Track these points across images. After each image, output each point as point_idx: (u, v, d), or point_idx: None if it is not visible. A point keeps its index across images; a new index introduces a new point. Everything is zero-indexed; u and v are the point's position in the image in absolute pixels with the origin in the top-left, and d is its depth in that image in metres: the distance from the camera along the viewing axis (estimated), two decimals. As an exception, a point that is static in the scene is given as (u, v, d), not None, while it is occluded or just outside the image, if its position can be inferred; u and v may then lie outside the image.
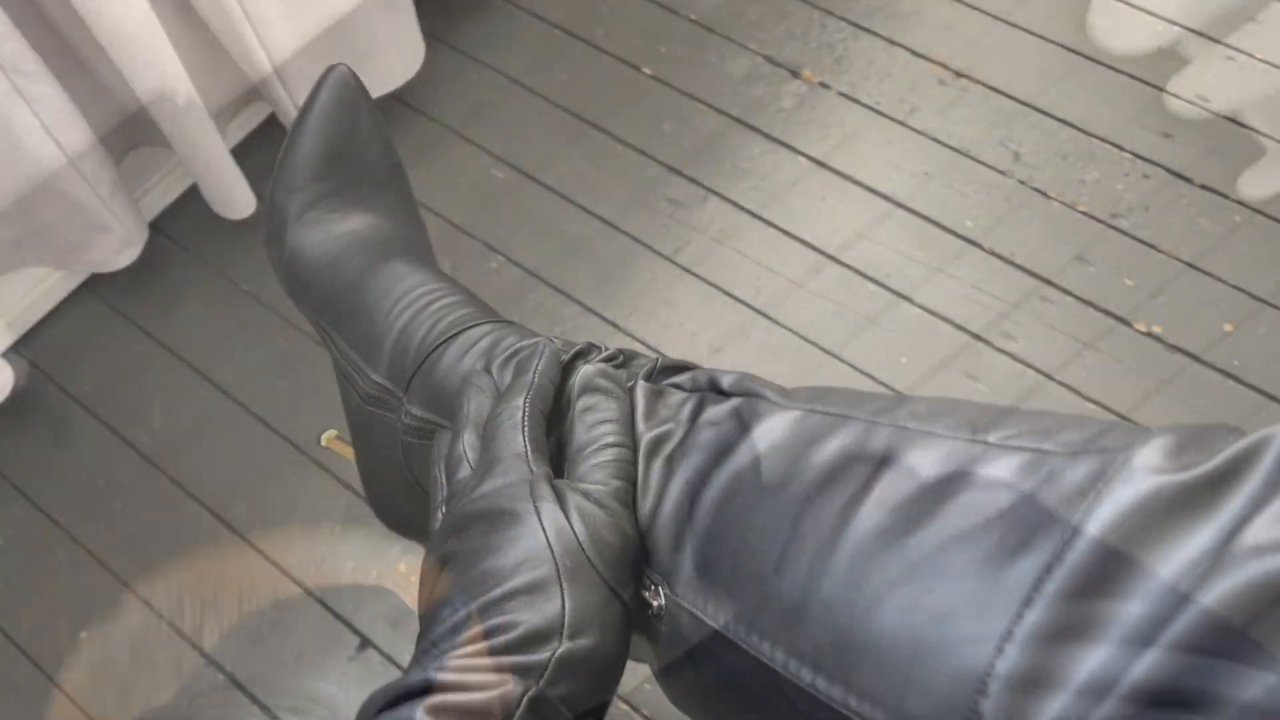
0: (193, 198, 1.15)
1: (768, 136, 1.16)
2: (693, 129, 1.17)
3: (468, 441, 0.42)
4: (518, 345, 0.46)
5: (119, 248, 1.05)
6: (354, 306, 0.52)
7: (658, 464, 0.38)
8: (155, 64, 0.91)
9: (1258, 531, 0.23)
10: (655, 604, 0.37)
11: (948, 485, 0.29)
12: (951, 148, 1.13)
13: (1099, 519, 0.25)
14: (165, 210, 1.17)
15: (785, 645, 0.31)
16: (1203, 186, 1.08)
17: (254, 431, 1.04)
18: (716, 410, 0.38)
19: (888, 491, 0.30)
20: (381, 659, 0.92)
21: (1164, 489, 0.25)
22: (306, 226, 0.55)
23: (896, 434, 0.32)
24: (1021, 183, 1.10)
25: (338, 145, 0.55)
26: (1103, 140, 1.12)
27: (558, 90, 1.22)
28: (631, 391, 0.42)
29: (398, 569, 0.96)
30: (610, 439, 0.39)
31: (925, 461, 0.30)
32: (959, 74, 1.18)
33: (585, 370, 0.42)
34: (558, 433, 0.42)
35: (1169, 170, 1.09)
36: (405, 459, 0.50)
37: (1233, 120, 1.11)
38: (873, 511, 0.30)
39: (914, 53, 1.20)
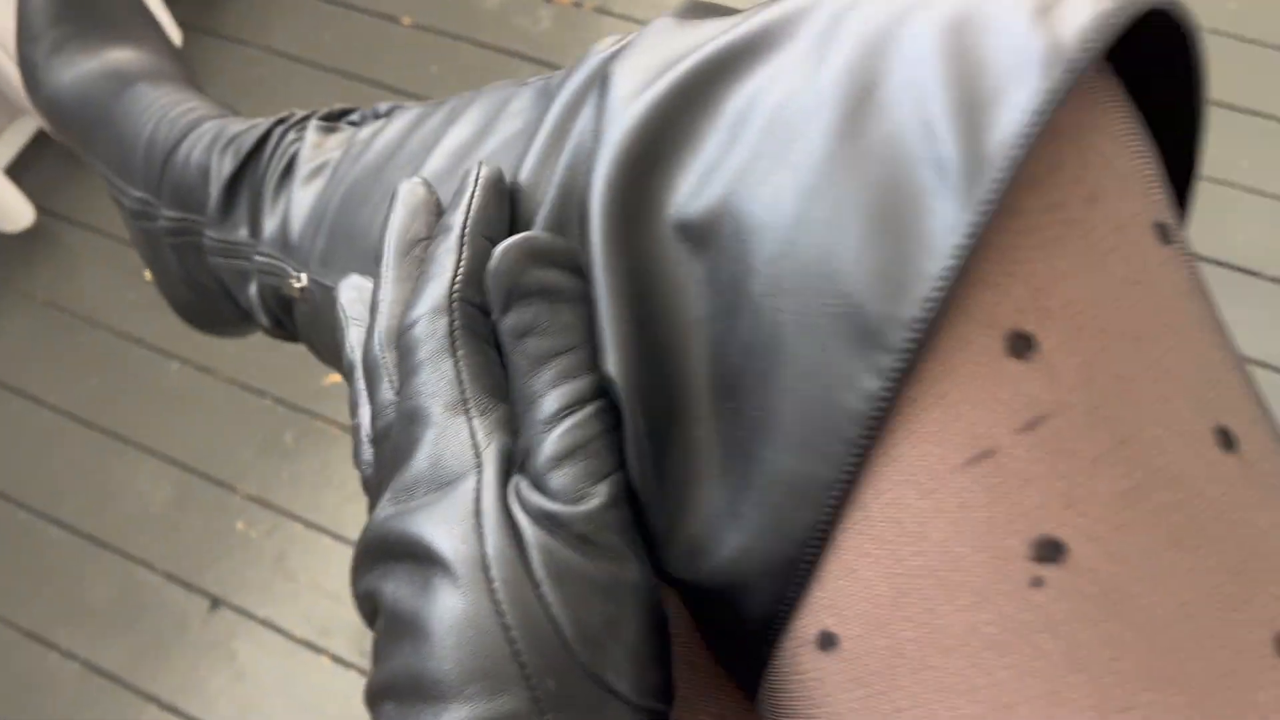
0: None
1: (531, 59, 1.20)
2: (459, 67, 1.21)
3: (357, 340, 0.30)
4: (237, 130, 0.50)
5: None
6: (108, 132, 0.56)
7: (313, 184, 0.42)
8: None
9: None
10: (299, 286, 0.40)
11: (490, 124, 0.33)
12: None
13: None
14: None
15: None
16: None
17: (70, 432, 1.04)
18: (371, 126, 0.42)
19: (447, 144, 0.34)
20: (235, 613, 0.94)
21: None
22: (56, 69, 0.59)
23: (463, 103, 0.36)
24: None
25: None
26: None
27: (324, 55, 1.24)
28: (304, 131, 0.46)
29: (236, 527, 0.98)
30: (571, 393, 0.25)
31: (476, 114, 0.34)
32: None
33: (509, 251, 0.25)
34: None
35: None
36: (179, 260, 0.54)
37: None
38: (436, 160, 0.34)
39: (656, -42, 1.25)
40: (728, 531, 0.24)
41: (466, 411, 0.25)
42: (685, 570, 0.25)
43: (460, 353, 0.25)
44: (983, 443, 0.21)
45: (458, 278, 0.26)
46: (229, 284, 0.50)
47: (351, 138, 0.43)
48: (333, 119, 0.47)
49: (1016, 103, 0.21)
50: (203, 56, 1.24)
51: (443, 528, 0.23)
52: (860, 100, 0.23)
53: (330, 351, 0.41)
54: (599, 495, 0.24)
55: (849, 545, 0.23)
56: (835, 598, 0.23)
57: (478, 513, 0.23)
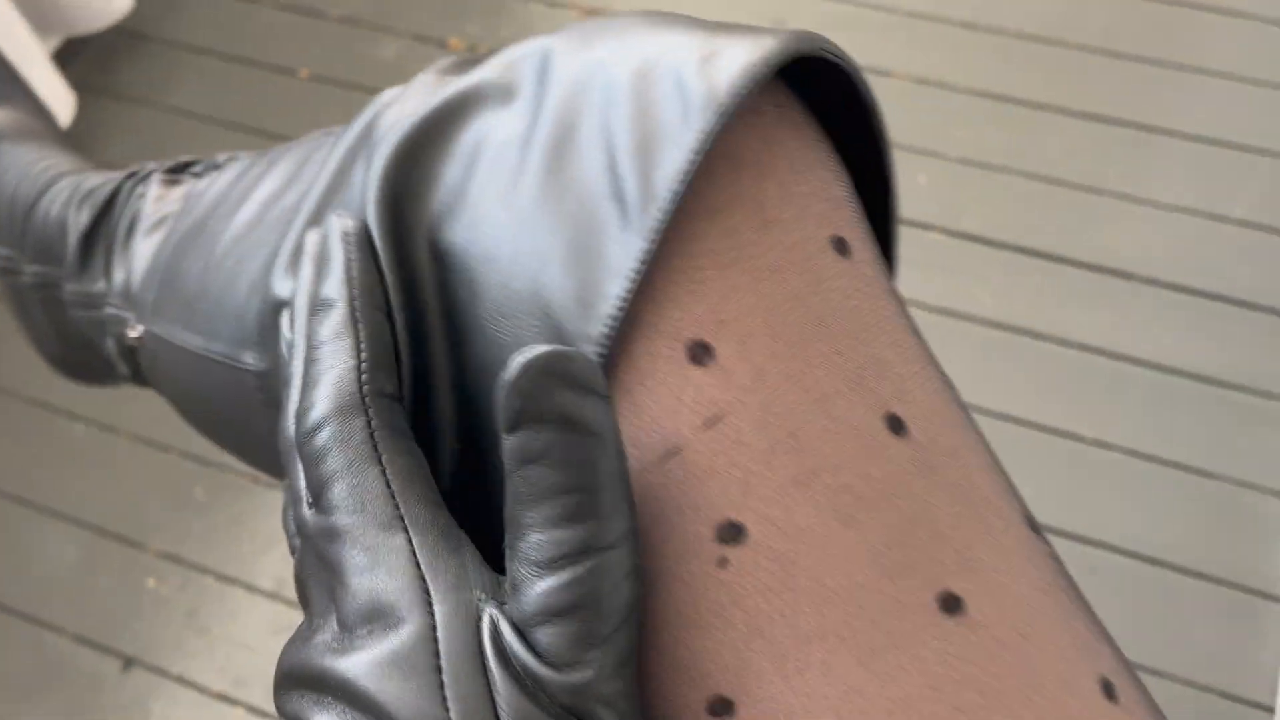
0: None
1: (428, 105, 1.23)
2: (358, 115, 1.23)
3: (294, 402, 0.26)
4: (93, 184, 0.51)
5: None
6: None
7: (153, 236, 0.44)
8: None
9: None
10: (133, 335, 0.42)
11: (297, 173, 0.35)
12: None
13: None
14: None
15: (197, 331, 0.36)
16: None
17: (-21, 500, 1.03)
18: (208, 178, 0.44)
19: (259, 194, 0.36)
20: (149, 671, 0.93)
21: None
22: None
23: (279, 152, 0.38)
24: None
25: None
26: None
27: (224, 110, 1.25)
28: (148, 183, 0.47)
29: (147, 585, 0.98)
30: (574, 541, 0.21)
31: (287, 163, 0.36)
32: (594, 11, 1.28)
33: (533, 367, 0.21)
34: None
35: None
36: (45, 314, 0.55)
37: None
38: (248, 210, 0.36)
39: (549, 3, 1.29)
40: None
41: (404, 530, 0.22)
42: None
43: (385, 458, 0.22)
44: (670, 441, 0.24)
45: (363, 366, 0.23)
46: (90, 335, 0.51)
47: (190, 190, 0.45)
48: (178, 170, 0.49)
49: (679, 143, 0.23)
50: (101, 118, 1.24)
51: (394, 683, 0.20)
52: (563, 142, 0.25)
53: (177, 400, 0.42)
54: (593, 664, 0.21)
55: None
56: None
57: (437, 669, 0.20)
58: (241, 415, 0.37)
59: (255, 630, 0.95)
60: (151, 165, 0.51)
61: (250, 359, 0.34)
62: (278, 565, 0.97)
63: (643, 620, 0.24)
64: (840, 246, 0.25)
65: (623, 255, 0.23)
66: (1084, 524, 0.93)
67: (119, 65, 1.30)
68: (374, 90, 1.17)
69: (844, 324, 0.25)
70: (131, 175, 0.51)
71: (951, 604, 0.23)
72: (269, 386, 0.34)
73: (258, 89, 1.26)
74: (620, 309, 0.23)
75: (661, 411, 0.24)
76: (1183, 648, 0.89)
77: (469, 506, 0.25)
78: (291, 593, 0.96)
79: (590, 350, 0.24)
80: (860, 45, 1.19)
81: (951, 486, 0.25)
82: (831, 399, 0.24)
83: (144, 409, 1.05)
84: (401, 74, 1.28)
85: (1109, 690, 0.24)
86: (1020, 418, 0.99)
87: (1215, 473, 0.96)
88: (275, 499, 1.01)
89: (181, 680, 0.93)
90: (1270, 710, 0.84)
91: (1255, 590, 0.91)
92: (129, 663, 0.94)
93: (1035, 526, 0.26)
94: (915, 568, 0.23)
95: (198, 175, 0.49)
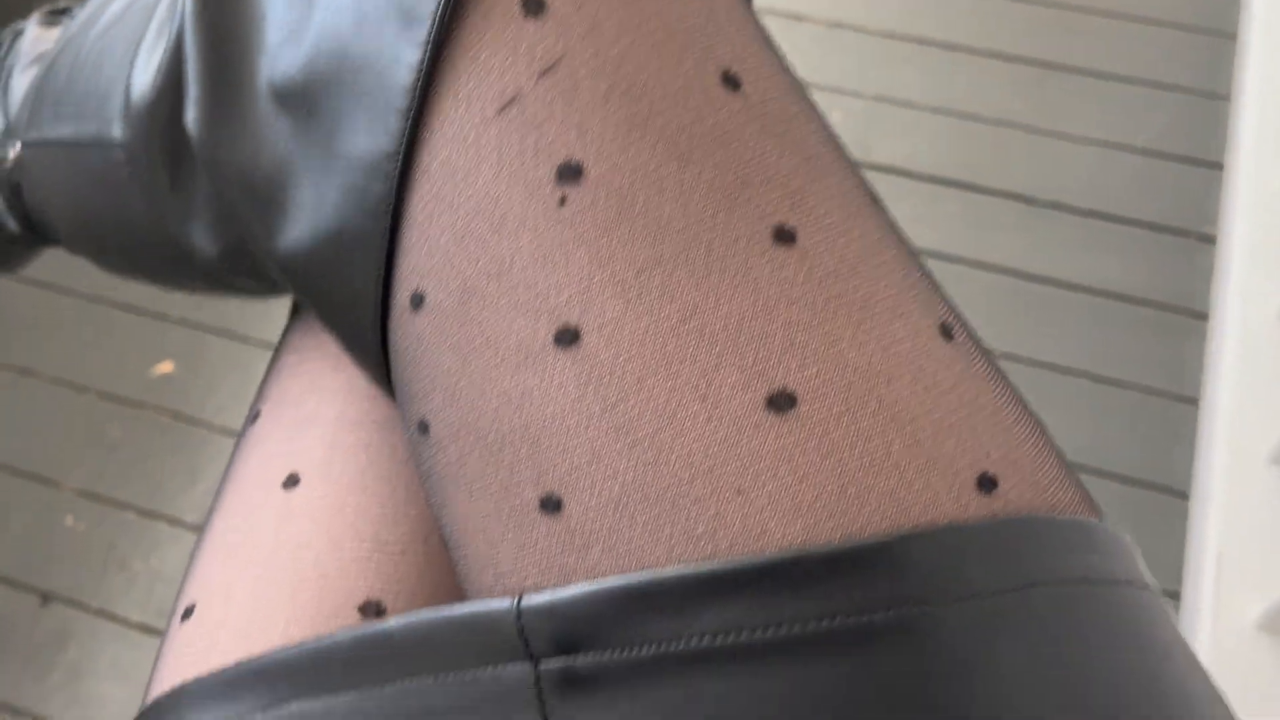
0: None
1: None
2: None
3: None
4: None
5: None
6: None
7: (30, 71, 0.43)
8: None
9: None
10: (13, 156, 0.42)
11: None
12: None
13: None
14: None
15: (67, 120, 0.37)
16: None
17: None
18: (86, 8, 0.44)
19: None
20: (67, 606, 0.92)
21: None
22: None
23: None
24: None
25: None
26: None
27: None
28: (23, 33, 0.47)
29: (64, 523, 0.96)
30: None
31: None
32: None
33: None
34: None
35: None
36: None
37: None
38: (114, 7, 0.37)
39: None
40: (318, 217, 0.27)
41: None
42: (293, 254, 0.28)
43: None
44: (509, 92, 0.25)
45: None
46: None
47: (68, 25, 0.45)
48: (55, 14, 0.49)
49: None
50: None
51: None
52: None
53: (50, 212, 0.42)
54: None
55: (419, 210, 0.26)
56: (416, 260, 0.26)
57: None
58: (115, 203, 0.37)
59: (177, 564, 0.93)
60: (24, 23, 0.51)
61: (116, 131, 0.35)
62: (201, 498, 0.96)
63: (484, 257, 0.25)
64: None
65: None
66: (998, 432, 0.95)
67: None
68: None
69: None
70: (10, 27, 0.51)
71: (784, 236, 0.24)
72: (134, 157, 0.35)
73: None
74: None
75: (499, 63, 0.25)
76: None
77: None
78: (214, 524, 0.95)
79: (429, 8, 0.25)
80: (776, -11, 1.22)
81: (785, 142, 0.26)
82: (665, 49, 0.25)
83: (60, 352, 1.04)
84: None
85: (947, 332, 0.25)
86: (936, 335, 1.01)
87: (1122, 380, 0.99)
88: (195, 434, 1.00)
89: (101, 614, 0.91)
90: (1176, 597, 0.87)
91: (1162, 487, 0.94)
92: (46, 598, 0.92)
93: (876, 198, 0.28)
94: (750, 203, 0.24)
95: (74, 16, 0.49)
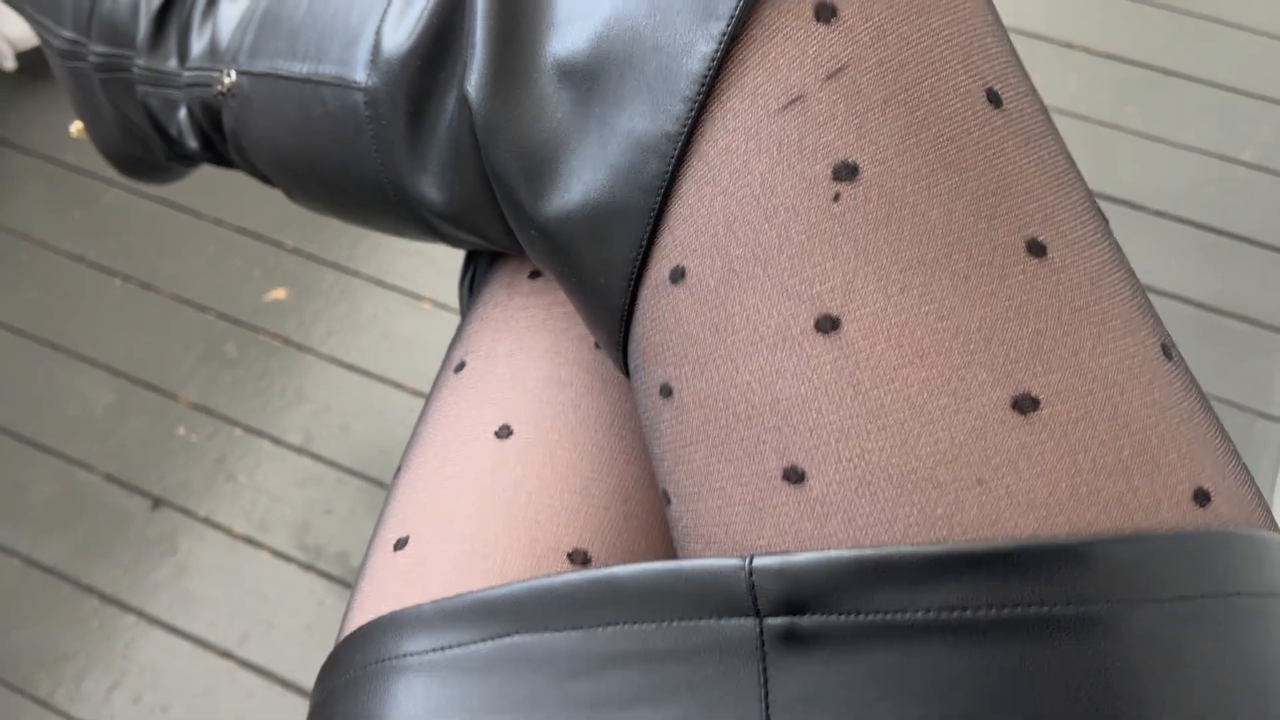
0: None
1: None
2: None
3: None
4: None
5: None
6: None
7: (239, 1, 0.46)
8: None
9: None
10: (224, 86, 0.44)
11: None
12: None
13: None
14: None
15: (304, 58, 0.39)
16: None
17: (8, 342, 1.06)
18: None
19: None
20: (176, 511, 0.97)
21: None
22: None
23: None
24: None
25: None
26: None
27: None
28: None
29: (177, 432, 1.01)
30: None
31: None
32: None
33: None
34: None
35: None
36: (108, 98, 0.56)
37: None
38: None
39: None
40: (589, 187, 0.30)
41: None
42: (559, 219, 0.31)
43: None
44: (794, 91, 0.27)
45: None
46: (158, 114, 0.53)
47: None
48: None
49: None
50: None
51: None
52: None
53: (271, 142, 0.45)
54: None
55: (691, 191, 0.28)
56: (682, 237, 0.28)
57: None
58: (343, 142, 0.39)
59: (281, 481, 0.98)
60: None
61: (361, 75, 0.37)
62: (305, 420, 1.01)
63: (752, 242, 0.27)
64: None
65: None
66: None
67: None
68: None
69: (954, 5, 0.28)
70: None
71: (1036, 248, 0.27)
72: (376, 102, 0.37)
73: None
74: None
75: (787, 63, 0.27)
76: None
77: None
78: (317, 447, 0.99)
79: (729, 6, 0.27)
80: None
81: (1038, 159, 0.28)
82: (941, 64, 0.27)
83: (182, 267, 1.09)
84: None
85: (1166, 352, 0.28)
86: (1027, 331, 1.03)
87: (1212, 394, 1.00)
88: (303, 360, 1.04)
89: (209, 522, 0.97)
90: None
91: (1239, 501, 0.95)
92: (157, 502, 0.98)
93: (1105, 220, 0.30)
94: (1008, 214, 0.27)
95: None
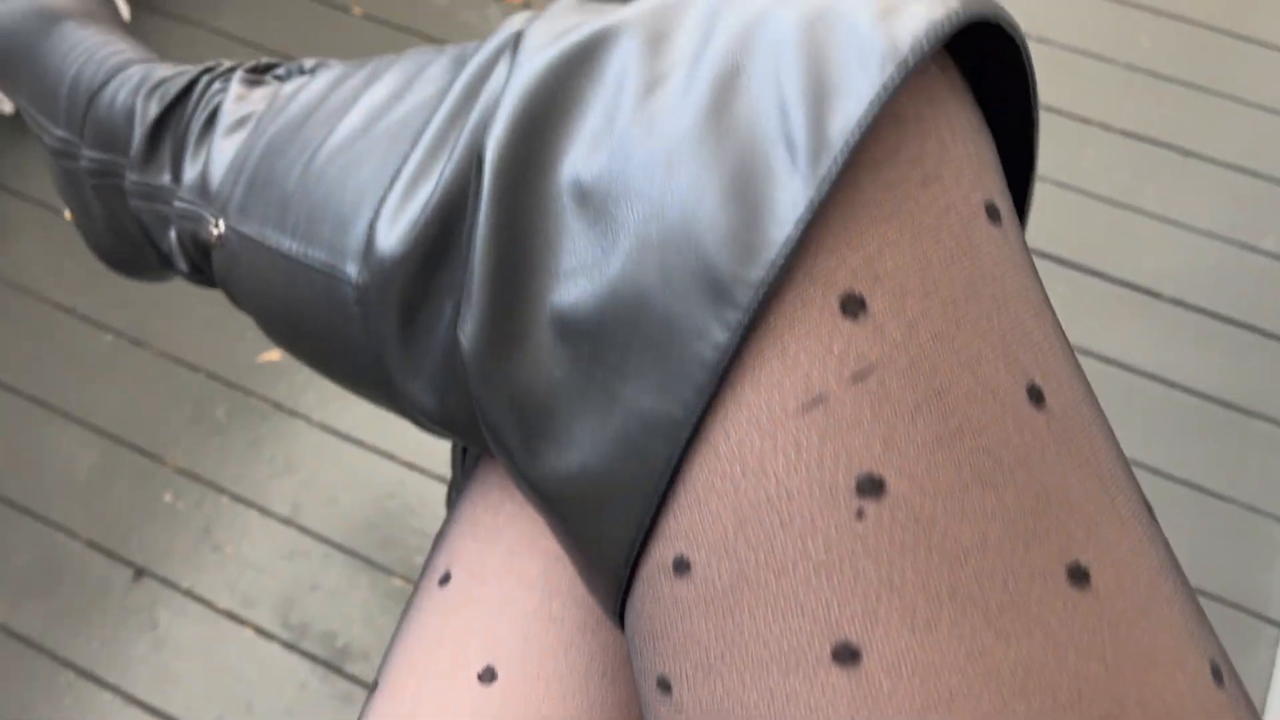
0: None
1: (478, 54, 1.23)
2: (407, 57, 1.23)
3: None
4: (164, 75, 0.51)
5: None
6: (33, 69, 0.57)
7: (235, 135, 0.44)
8: None
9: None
10: (214, 232, 0.41)
11: (407, 87, 0.36)
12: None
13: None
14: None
15: (292, 234, 0.37)
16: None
17: None
18: (295, 82, 0.44)
19: (364, 102, 0.36)
20: (158, 582, 0.94)
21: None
22: None
23: (383, 64, 0.38)
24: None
25: None
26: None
27: (271, 39, 1.25)
28: (229, 82, 0.47)
29: (163, 498, 0.98)
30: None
31: (395, 75, 0.37)
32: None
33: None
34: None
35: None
36: (100, 202, 0.54)
37: None
38: (354, 118, 0.36)
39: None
40: (587, 455, 0.27)
41: None
42: (552, 481, 0.28)
43: None
44: (816, 390, 0.24)
45: None
46: (149, 227, 0.51)
47: (276, 92, 0.44)
48: (258, 72, 0.49)
49: (856, 94, 0.24)
50: (149, 33, 1.24)
51: None
52: (728, 82, 0.26)
53: (256, 302, 0.42)
54: None
55: (699, 480, 0.25)
56: (687, 526, 0.26)
57: None
58: (330, 326, 0.37)
59: (267, 553, 0.96)
60: (228, 63, 0.51)
61: (352, 270, 0.34)
62: (294, 490, 0.98)
63: (766, 550, 0.25)
64: (992, 212, 0.26)
65: (790, 202, 0.24)
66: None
67: (172, -18, 1.29)
68: (424, 34, 1.17)
69: (993, 290, 0.25)
70: (208, 70, 0.51)
71: (1079, 575, 0.24)
72: (367, 301, 0.34)
73: (308, 21, 1.26)
74: (785, 256, 0.24)
75: (809, 360, 0.24)
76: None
77: None
78: (304, 519, 0.97)
79: (747, 293, 0.24)
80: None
81: (1082, 461, 0.25)
82: (978, 363, 0.25)
83: (174, 326, 1.06)
84: (452, 20, 1.28)
85: (1217, 675, 0.25)
86: (1037, 422, 1.00)
87: (1223, 494, 0.98)
88: (294, 426, 1.02)
89: (191, 594, 0.94)
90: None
91: (1252, 611, 0.93)
92: (139, 572, 0.95)
93: (1150, 509, 0.27)
94: (1047, 536, 0.24)
95: (281, 79, 0.48)
